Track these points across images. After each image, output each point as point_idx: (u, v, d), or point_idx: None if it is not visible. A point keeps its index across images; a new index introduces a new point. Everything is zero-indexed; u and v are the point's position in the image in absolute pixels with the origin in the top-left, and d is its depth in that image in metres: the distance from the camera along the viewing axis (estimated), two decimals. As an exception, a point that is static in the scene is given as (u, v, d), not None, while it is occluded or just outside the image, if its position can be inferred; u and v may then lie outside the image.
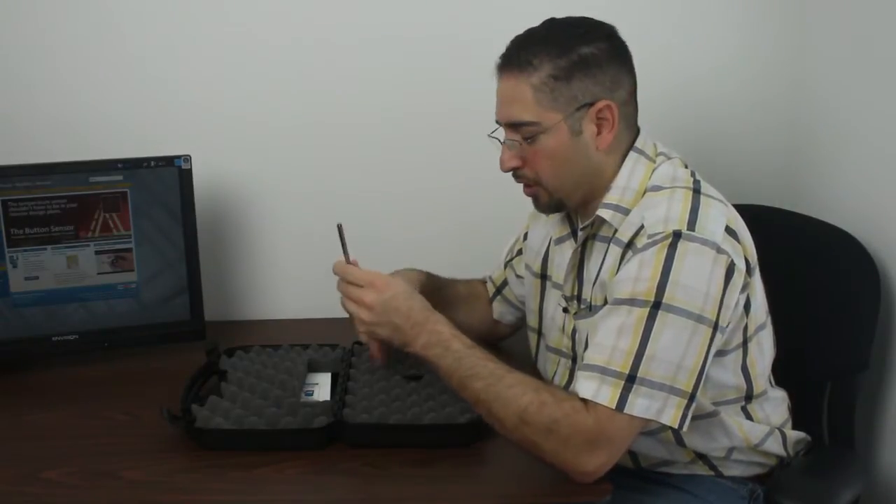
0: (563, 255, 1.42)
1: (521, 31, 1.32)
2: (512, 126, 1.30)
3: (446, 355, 1.21)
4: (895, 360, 1.48)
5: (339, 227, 1.35)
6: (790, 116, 1.83)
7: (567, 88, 1.26)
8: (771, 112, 1.85)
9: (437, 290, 1.52)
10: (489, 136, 1.35)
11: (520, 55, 1.27)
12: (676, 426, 1.16)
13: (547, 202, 1.34)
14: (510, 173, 1.34)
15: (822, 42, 1.73)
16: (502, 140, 1.32)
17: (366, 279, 1.28)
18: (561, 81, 1.25)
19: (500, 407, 1.16)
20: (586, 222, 1.34)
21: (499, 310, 1.65)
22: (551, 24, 1.31)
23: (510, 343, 1.66)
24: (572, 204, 1.35)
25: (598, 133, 1.28)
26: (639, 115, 1.35)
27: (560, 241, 1.44)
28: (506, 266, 1.64)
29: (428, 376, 1.42)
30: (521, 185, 1.36)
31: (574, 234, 1.41)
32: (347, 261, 1.35)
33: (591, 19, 1.31)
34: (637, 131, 1.35)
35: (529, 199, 1.40)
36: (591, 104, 1.27)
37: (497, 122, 1.33)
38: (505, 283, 1.64)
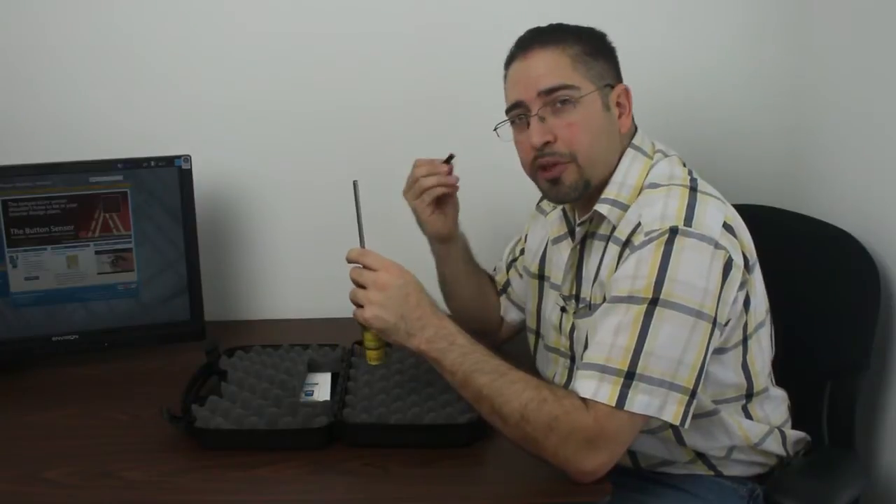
0: (561, 255, 1.42)
1: (522, 25, 1.34)
2: (547, 92, 1.29)
3: (452, 349, 1.20)
4: (895, 360, 1.48)
5: (355, 184, 1.29)
6: (790, 116, 1.83)
7: (596, 65, 1.31)
8: (771, 112, 1.85)
9: (468, 252, 1.59)
10: (498, 126, 1.36)
11: (552, 34, 1.32)
12: (678, 423, 1.16)
13: (573, 182, 1.31)
14: (531, 161, 1.33)
15: (822, 41, 1.73)
16: (532, 113, 1.30)
17: (383, 264, 1.24)
18: (591, 58, 1.31)
19: (503, 402, 1.16)
20: (584, 218, 1.34)
21: (504, 305, 1.65)
22: (560, 24, 1.35)
23: (510, 343, 1.66)
24: (595, 187, 1.32)
25: (619, 116, 1.32)
26: (636, 114, 1.37)
27: (557, 240, 1.44)
28: (508, 268, 1.64)
29: (428, 376, 1.42)
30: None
31: (572, 232, 1.41)
32: (361, 235, 1.33)
33: None
34: (635, 129, 1.36)
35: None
36: (613, 86, 1.31)
37: (516, 104, 1.33)
38: (508, 283, 1.64)
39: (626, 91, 1.33)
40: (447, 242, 1.54)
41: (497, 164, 1.65)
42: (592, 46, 1.32)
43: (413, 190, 1.49)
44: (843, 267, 1.48)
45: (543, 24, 1.36)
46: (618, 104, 1.32)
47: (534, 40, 1.32)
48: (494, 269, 1.68)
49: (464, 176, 1.85)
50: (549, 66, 1.30)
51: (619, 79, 1.35)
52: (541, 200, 1.57)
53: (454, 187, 1.49)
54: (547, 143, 1.30)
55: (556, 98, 1.29)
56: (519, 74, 1.33)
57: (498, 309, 1.65)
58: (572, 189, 1.32)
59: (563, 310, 1.41)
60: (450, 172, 1.48)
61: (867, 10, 1.57)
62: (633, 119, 1.36)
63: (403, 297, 1.22)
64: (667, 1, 1.81)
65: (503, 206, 1.79)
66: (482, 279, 1.64)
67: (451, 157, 1.48)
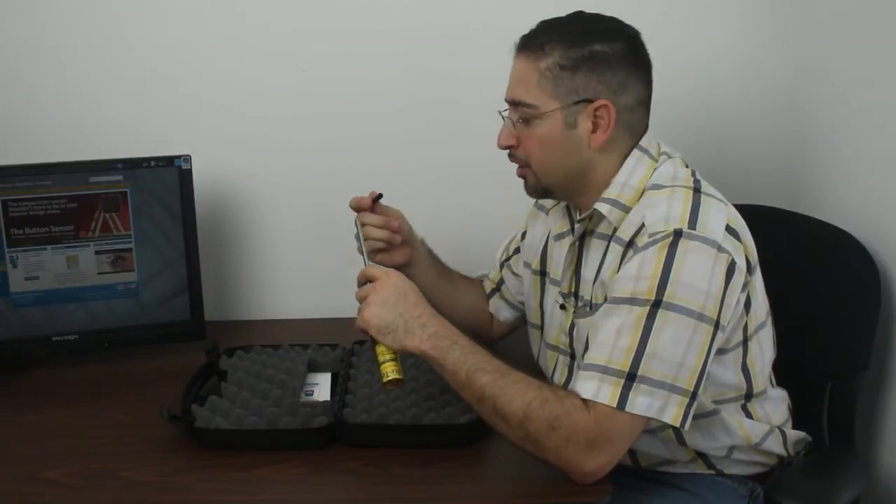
0: (562, 251, 1.42)
1: (523, 23, 1.34)
2: (513, 105, 1.32)
3: (454, 349, 1.20)
4: (895, 360, 1.48)
5: (356, 221, 1.42)
6: (791, 116, 1.83)
7: (570, 80, 1.27)
8: (771, 112, 1.85)
9: (436, 264, 1.58)
10: (500, 112, 1.36)
11: (536, 39, 1.30)
12: (678, 424, 1.16)
13: (533, 186, 1.36)
14: (508, 154, 1.36)
15: (822, 41, 1.73)
16: (505, 116, 1.34)
17: (383, 272, 1.29)
18: (566, 72, 1.27)
19: (506, 402, 1.15)
20: (584, 215, 1.34)
21: (496, 305, 1.65)
22: (576, 15, 1.33)
23: (510, 343, 1.66)
24: (560, 193, 1.38)
25: (593, 131, 1.29)
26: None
27: (560, 236, 1.44)
28: (501, 266, 1.64)
29: (428, 376, 1.42)
30: (517, 185, 1.37)
31: (573, 230, 1.41)
32: (365, 258, 1.39)
33: (618, 20, 1.32)
34: (644, 130, 1.34)
35: (527, 197, 1.41)
36: (590, 101, 1.28)
37: (505, 100, 1.35)
38: (502, 281, 1.64)
39: (607, 107, 1.27)
40: (402, 269, 1.52)
41: (493, 167, 1.65)
42: (578, 56, 1.27)
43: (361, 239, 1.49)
44: (843, 267, 1.48)
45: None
46: (595, 117, 1.28)
47: (522, 43, 1.32)
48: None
49: (467, 178, 1.87)
50: (518, 78, 1.31)
51: (607, 92, 1.27)
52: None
53: (393, 240, 1.48)
54: (509, 147, 1.34)
55: (517, 113, 1.31)
56: (510, 73, 1.34)
57: (485, 311, 1.65)
58: (533, 191, 1.38)
59: (562, 307, 1.41)
60: (372, 210, 1.48)
61: (867, 10, 1.57)
62: (636, 130, 1.32)
63: (401, 296, 1.24)
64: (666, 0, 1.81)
65: (504, 205, 1.79)
66: (459, 289, 1.63)
67: (379, 196, 1.48)
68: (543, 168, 1.33)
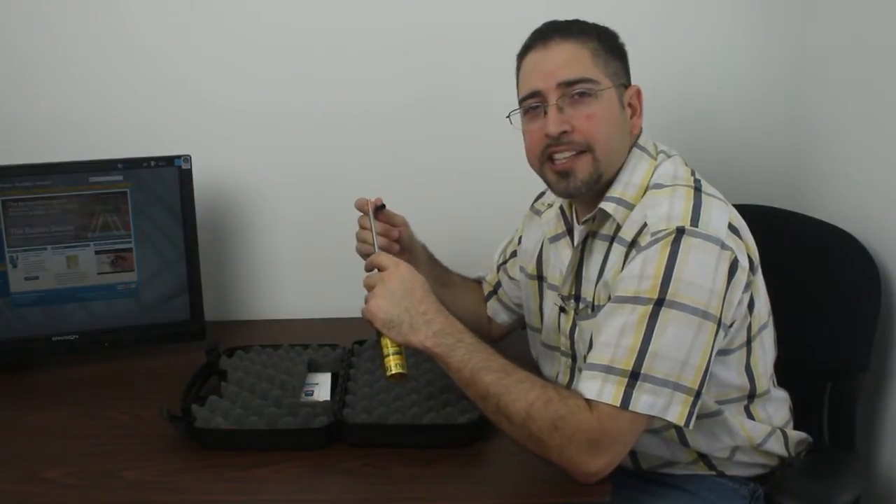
0: (559, 254, 1.42)
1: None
2: (567, 84, 1.27)
3: (459, 346, 1.20)
4: (895, 360, 1.48)
5: (374, 209, 1.40)
6: (791, 116, 1.83)
7: (613, 62, 1.31)
8: (771, 111, 1.85)
9: (434, 269, 1.56)
10: (511, 113, 1.35)
11: (572, 27, 1.31)
12: (682, 423, 1.16)
13: (587, 175, 1.29)
14: (540, 151, 1.31)
15: (823, 41, 1.73)
16: (551, 103, 1.28)
17: (392, 262, 1.27)
18: (609, 54, 1.31)
19: (510, 401, 1.15)
20: (588, 216, 1.34)
21: (493, 308, 1.65)
22: (578, 19, 1.34)
23: (510, 343, 1.66)
24: (603, 182, 1.31)
25: (631, 116, 1.32)
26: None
27: (555, 239, 1.43)
28: (498, 269, 1.64)
29: (428, 376, 1.42)
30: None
31: (569, 232, 1.41)
32: (375, 245, 1.37)
33: None
34: (640, 130, 1.36)
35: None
36: (626, 86, 1.31)
37: (532, 94, 1.31)
38: (499, 284, 1.64)
39: (639, 92, 1.33)
40: None
41: (493, 167, 1.65)
42: (608, 44, 1.31)
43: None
44: (844, 267, 1.48)
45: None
46: (629, 104, 1.32)
47: (553, 31, 1.31)
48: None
49: (461, 178, 1.87)
50: (569, 58, 1.29)
51: (630, 79, 1.34)
52: (535, 201, 1.56)
53: (390, 249, 1.43)
54: (564, 133, 1.28)
55: (576, 90, 1.28)
56: (537, 64, 1.31)
57: (483, 314, 1.65)
58: (584, 183, 1.30)
59: (561, 310, 1.41)
60: (375, 217, 1.42)
61: (867, 10, 1.57)
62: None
63: (407, 290, 1.23)
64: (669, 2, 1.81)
65: (503, 206, 1.79)
66: (457, 293, 1.61)
67: (382, 206, 1.44)
68: (608, 148, 1.29)
